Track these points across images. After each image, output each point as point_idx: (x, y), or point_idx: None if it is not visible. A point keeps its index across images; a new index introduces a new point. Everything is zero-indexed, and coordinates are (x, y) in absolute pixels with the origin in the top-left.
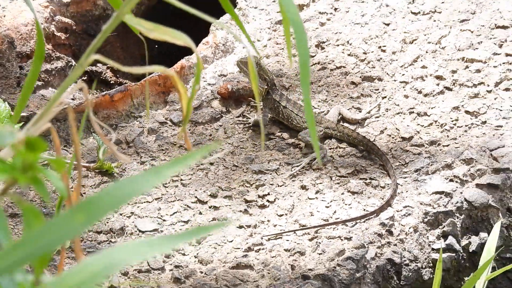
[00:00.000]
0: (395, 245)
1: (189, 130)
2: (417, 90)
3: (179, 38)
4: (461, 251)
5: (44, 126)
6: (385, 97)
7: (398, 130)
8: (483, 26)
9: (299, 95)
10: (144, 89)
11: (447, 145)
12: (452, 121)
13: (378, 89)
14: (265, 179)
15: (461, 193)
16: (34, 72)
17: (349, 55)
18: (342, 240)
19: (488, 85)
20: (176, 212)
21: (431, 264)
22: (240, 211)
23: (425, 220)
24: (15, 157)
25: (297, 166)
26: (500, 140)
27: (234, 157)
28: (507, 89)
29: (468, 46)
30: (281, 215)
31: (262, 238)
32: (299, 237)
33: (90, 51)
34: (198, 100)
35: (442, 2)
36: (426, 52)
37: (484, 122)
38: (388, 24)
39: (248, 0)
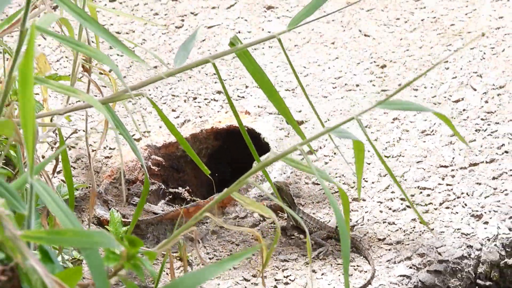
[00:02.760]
0: None
1: (239, 232)
2: (388, 207)
3: (266, 212)
4: None
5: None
6: (367, 212)
7: (376, 233)
8: (432, 165)
9: (310, 209)
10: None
11: (408, 244)
12: (411, 228)
13: (362, 206)
14: (289, 265)
15: (417, 276)
16: (142, 200)
17: (343, 183)
18: None
19: (434, 205)
20: (229, 287)
21: None
22: (272, 286)
23: None
24: (122, 250)
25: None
26: (442, 241)
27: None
28: (447, 207)
29: (422, 178)
30: None
31: None
32: None
33: (203, 211)
34: (244, 212)
35: (405, 149)
36: (394, 182)
37: (432, 229)
38: (369, 164)
39: (278, 147)
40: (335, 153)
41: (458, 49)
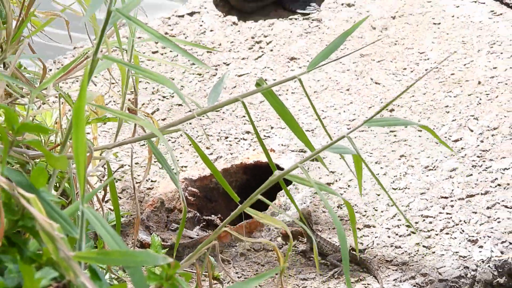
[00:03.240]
0: None
1: (264, 255)
2: (395, 233)
3: (277, 223)
4: None
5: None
6: (377, 237)
7: (384, 256)
8: (434, 196)
9: (327, 235)
10: (238, 230)
11: (412, 265)
12: (415, 251)
13: (372, 232)
14: (307, 283)
15: None
16: (181, 226)
17: (356, 212)
18: None
19: (436, 231)
20: None
21: None
22: None
23: None
24: (162, 271)
25: (326, 276)
26: (442, 262)
27: (289, 270)
28: (447, 233)
29: (425, 208)
30: None
31: None
32: None
33: (222, 226)
34: (269, 237)
35: (410, 183)
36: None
37: (434, 252)
38: (379, 195)
39: (297, 184)
40: (349, 186)
41: (457, 95)
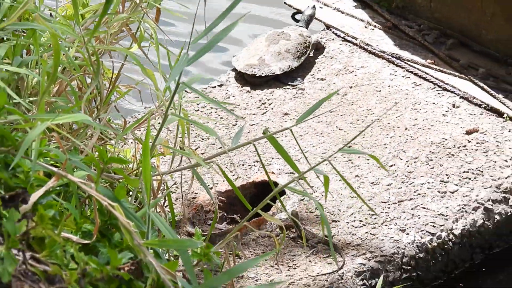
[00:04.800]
0: None
1: (268, 240)
2: (352, 225)
3: (275, 220)
4: None
5: (222, 245)
6: (340, 228)
7: (345, 240)
8: (377, 202)
9: (308, 227)
10: (251, 225)
11: (363, 246)
12: (365, 237)
13: (337, 225)
14: (296, 258)
15: (369, 263)
16: (213, 222)
17: (327, 212)
18: None
19: (379, 224)
20: (262, 270)
21: None
22: (286, 269)
23: None
24: (201, 251)
25: (308, 253)
26: (383, 244)
27: (284, 250)
28: (386, 225)
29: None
30: None
31: None
32: None
33: (243, 222)
34: (271, 228)
35: (361, 193)
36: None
37: (377, 238)
38: (342, 201)
39: (291, 192)
40: (322, 195)
41: (392, 137)
